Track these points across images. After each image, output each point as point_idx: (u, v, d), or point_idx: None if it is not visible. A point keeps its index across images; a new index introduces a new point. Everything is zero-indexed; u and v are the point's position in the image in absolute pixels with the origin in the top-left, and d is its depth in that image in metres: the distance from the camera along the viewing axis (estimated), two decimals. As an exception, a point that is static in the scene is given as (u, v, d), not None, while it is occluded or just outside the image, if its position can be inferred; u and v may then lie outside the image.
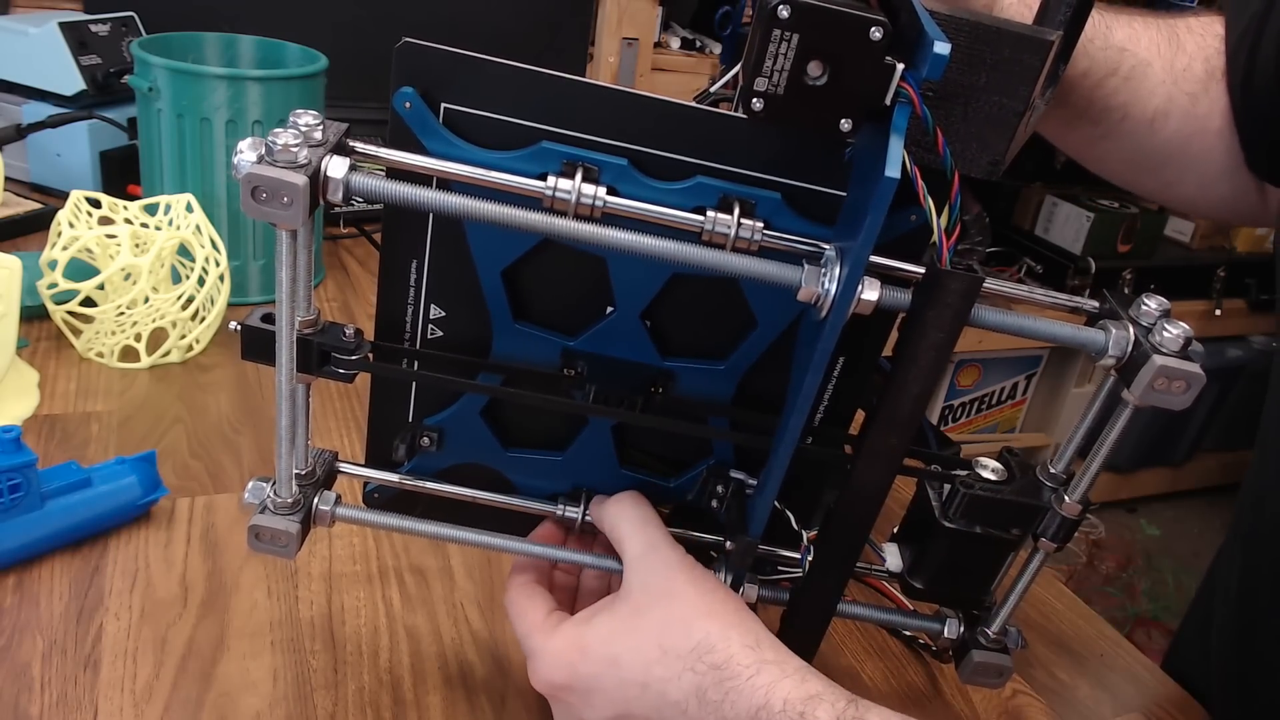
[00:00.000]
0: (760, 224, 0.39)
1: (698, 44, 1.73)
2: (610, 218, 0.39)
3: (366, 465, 0.49)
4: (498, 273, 0.43)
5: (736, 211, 0.39)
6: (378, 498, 0.50)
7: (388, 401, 0.48)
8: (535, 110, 0.39)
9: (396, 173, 0.39)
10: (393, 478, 0.48)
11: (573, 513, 0.48)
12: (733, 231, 0.39)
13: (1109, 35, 0.58)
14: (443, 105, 0.39)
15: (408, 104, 0.39)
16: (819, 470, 0.47)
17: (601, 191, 0.39)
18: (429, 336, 0.45)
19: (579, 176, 0.39)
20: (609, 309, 0.44)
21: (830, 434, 0.47)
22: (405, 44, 0.39)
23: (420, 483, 0.48)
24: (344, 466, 0.48)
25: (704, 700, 0.38)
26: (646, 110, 0.39)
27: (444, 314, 0.45)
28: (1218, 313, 2.15)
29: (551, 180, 0.39)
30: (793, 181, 0.40)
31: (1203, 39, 0.62)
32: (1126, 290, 2.01)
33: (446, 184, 0.39)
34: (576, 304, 0.44)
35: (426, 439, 0.48)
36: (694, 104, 0.41)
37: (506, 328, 0.45)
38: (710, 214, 0.39)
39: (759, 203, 0.40)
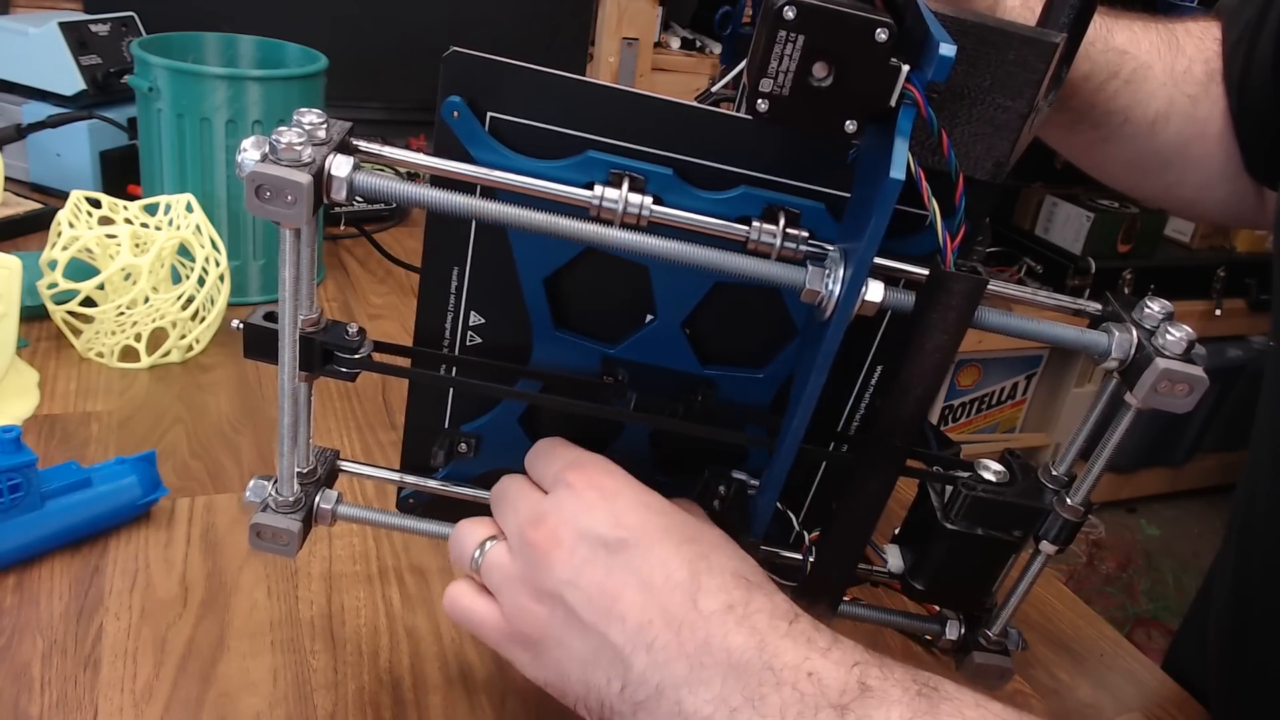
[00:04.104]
0: (805, 233, 0.39)
1: (698, 44, 1.73)
2: (654, 227, 0.39)
3: (402, 469, 0.49)
4: (540, 281, 0.43)
5: (782, 221, 0.39)
6: (413, 503, 0.50)
7: (424, 406, 0.47)
8: (579, 119, 0.39)
9: (441, 180, 0.39)
10: (395, 477, 0.48)
11: None
12: (778, 241, 0.39)
13: (1110, 38, 0.58)
14: (488, 114, 0.39)
15: (455, 113, 0.39)
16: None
17: (648, 201, 0.38)
18: (468, 344, 0.45)
19: (625, 186, 0.38)
20: (649, 317, 0.44)
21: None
22: (453, 53, 0.38)
23: (452, 488, 0.48)
24: (345, 465, 0.48)
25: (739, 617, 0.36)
26: (689, 119, 0.39)
27: (483, 321, 0.45)
28: (1218, 313, 2.15)
29: (599, 189, 0.38)
30: (838, 192, 0.40)
31: (1202, 41, 0.62)
32: (1126, 290, 2.01)
33: (491, 192, 0.39)
34: (617, 312, 0.44)
35: (464, 445, 0.48)
36: (737, 114, 0.40)
37: (547, 335, 0.44)
38: (755, 224, 0.39)
39: (804, 212, 0.40)
